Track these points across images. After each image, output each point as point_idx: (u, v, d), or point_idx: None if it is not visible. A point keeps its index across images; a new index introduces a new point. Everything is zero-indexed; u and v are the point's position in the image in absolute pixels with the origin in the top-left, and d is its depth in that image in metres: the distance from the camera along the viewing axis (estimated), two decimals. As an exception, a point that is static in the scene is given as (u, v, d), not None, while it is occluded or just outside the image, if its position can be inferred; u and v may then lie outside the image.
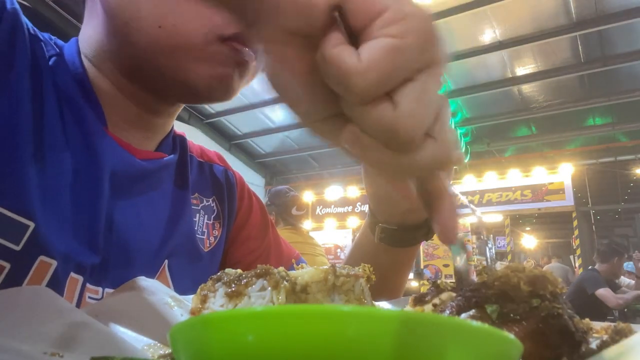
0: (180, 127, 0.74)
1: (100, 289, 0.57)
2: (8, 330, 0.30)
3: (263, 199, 1.11)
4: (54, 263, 0.51)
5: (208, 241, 0.73)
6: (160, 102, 0.65)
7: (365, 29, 0.27)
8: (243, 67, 0.57)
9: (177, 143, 0.73)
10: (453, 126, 7.50)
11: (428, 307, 0.37)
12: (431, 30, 0.28)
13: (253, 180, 8.66)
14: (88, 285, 0.55)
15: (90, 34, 0.61)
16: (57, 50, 0.60)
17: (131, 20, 0.54)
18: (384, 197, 0.62)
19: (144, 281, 0.47)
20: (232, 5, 0.33)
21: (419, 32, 0.27)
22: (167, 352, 0.38)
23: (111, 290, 0.57)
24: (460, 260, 0.37)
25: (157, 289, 0.48)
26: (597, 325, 0.39)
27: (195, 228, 0.71)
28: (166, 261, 0.64)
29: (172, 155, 0.69)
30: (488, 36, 5.84)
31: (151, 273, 0.62)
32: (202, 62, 0.55)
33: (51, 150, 0.54)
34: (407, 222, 0.63)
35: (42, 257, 0.50)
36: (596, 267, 4.29)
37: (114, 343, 0.35)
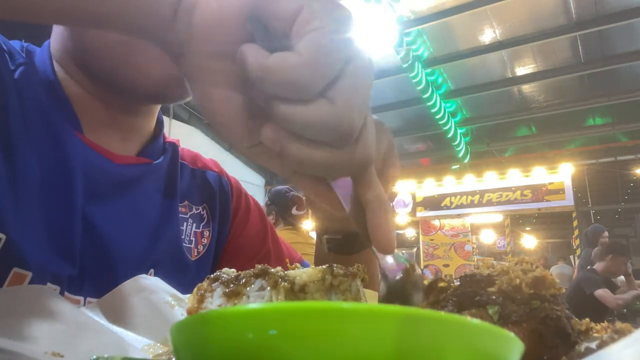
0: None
1: (81, 298, 0.56)
2: (9, 330, 0.30)
3: (263, 199, 1.10)
4: (29, 275, 0.50)
5: (196, 250, 0.72)
6: (130, 101, 0.64)
7: (289, 31, 0.30)
8: None
9: (168, 149, 0.72)
10: (453, 125, 7.50)
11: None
12: (345, 16, 0.31)
13: (253, 180, 8.61)
14: (67, 294, 0.54)
15: (56, 36, 0.62)
16: (26, 58, 0.59)
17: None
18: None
19: (145, 280, 0.47)
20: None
21: (337, 20, 0.30)
22: (165, 351, 0.38)
23: (93, 299, 0.56)
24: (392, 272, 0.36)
25: (158, 288, 0.48)
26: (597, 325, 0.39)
27: (183, 237, 0.70)
28: (152, 270, 0.63)
29: (158, 161, 0.68)
30: (488, 36, 5.83)
31: None
32: (153, 62, 0.56)
33: (21, 163, 0.53)
34: (350, 227, 0.57)
35: (15, 269, 0.49)
36: (594, 267, 4.28)
37: (114, 343, 0.35)
